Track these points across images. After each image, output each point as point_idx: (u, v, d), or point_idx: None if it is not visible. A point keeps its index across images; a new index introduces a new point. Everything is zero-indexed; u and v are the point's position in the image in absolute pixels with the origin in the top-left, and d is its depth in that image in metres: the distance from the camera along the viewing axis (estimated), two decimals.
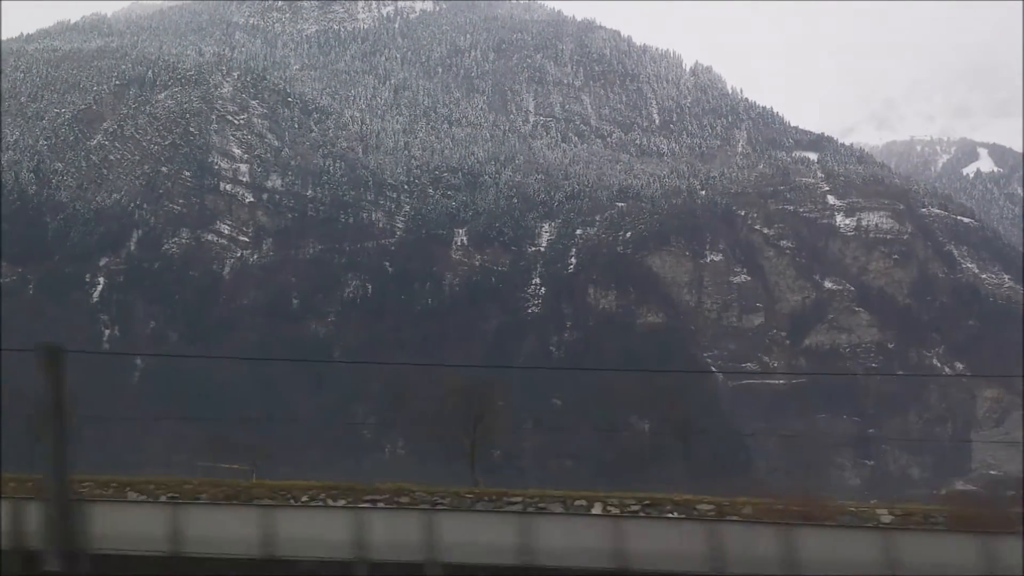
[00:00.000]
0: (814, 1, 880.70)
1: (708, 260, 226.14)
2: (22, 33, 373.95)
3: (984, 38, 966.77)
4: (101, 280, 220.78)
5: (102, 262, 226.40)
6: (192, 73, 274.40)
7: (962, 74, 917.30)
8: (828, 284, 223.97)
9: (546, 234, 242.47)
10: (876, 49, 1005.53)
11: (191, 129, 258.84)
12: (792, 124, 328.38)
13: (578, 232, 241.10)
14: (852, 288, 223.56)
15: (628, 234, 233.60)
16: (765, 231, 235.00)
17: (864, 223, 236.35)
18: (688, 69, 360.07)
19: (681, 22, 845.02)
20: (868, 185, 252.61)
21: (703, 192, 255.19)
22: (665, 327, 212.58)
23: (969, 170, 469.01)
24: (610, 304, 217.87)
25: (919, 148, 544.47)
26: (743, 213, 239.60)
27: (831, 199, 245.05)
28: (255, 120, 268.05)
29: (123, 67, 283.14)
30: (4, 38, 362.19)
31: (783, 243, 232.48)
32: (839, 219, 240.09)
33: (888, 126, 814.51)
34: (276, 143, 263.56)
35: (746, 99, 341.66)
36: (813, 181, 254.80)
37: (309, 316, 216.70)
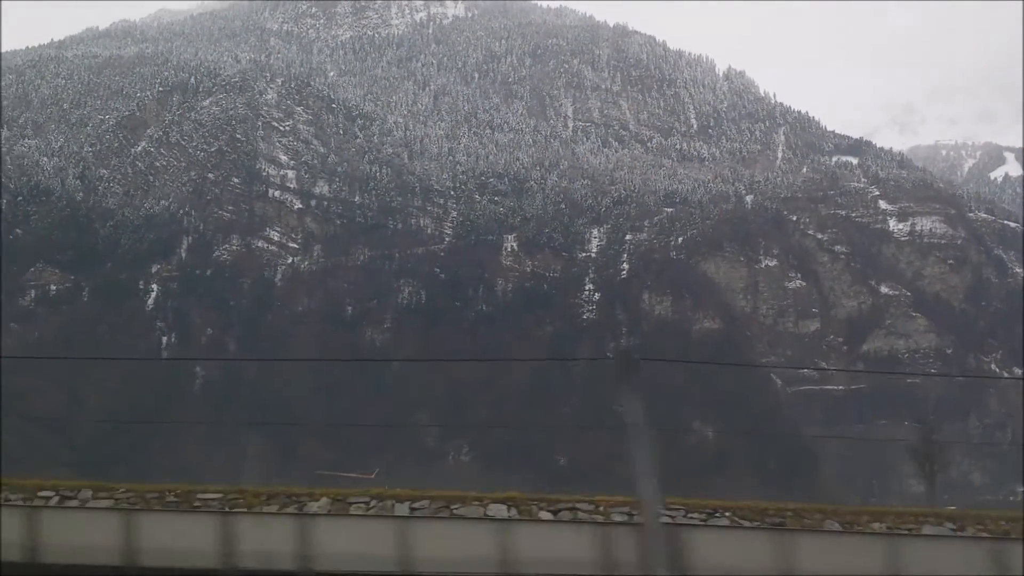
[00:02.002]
0: (830, 2, 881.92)
1: (763, 265, 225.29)
2: (52, 39, 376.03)
3: (1003, 42, 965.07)
4: (155, 287, 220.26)
5: (154, 269, 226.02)
6: (236, 80, 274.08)
7: (984, 78, 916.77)
8: (884, 289, 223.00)
9: (595, 239, 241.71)
10: (893, 54, 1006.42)
11: (237, 135, 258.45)
12: (828, 128, 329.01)
13: (628, 237, 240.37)
14: (908, 293, 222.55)
15: (680, 239, 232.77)
16: (819, 236, 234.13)
17: (918, 228, 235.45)
18: (721, 74, 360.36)
19: (696, 25, 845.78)
20: (918, 190, 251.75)
21: (749, 197, 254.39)
22: (722, 333, 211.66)
23: (997, 174, 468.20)
24: (665, 310, 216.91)
25: (944, 152, 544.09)
26: (795, 218, 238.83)
27: (883, 204, 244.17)
28: (300, 126, 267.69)
29: (165, 73, 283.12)
30: (35, 44, 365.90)
31: (837, 248, 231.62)
32: (892, 224, 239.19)
33: (910, 130, 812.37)
34: (322, 149, 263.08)
35: (781, 103, 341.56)
36: (862, 186, 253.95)
37: (364, 323, 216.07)
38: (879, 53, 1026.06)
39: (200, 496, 28.40)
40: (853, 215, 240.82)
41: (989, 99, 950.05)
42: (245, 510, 27.42)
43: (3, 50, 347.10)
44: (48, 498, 27.76)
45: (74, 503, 27.86)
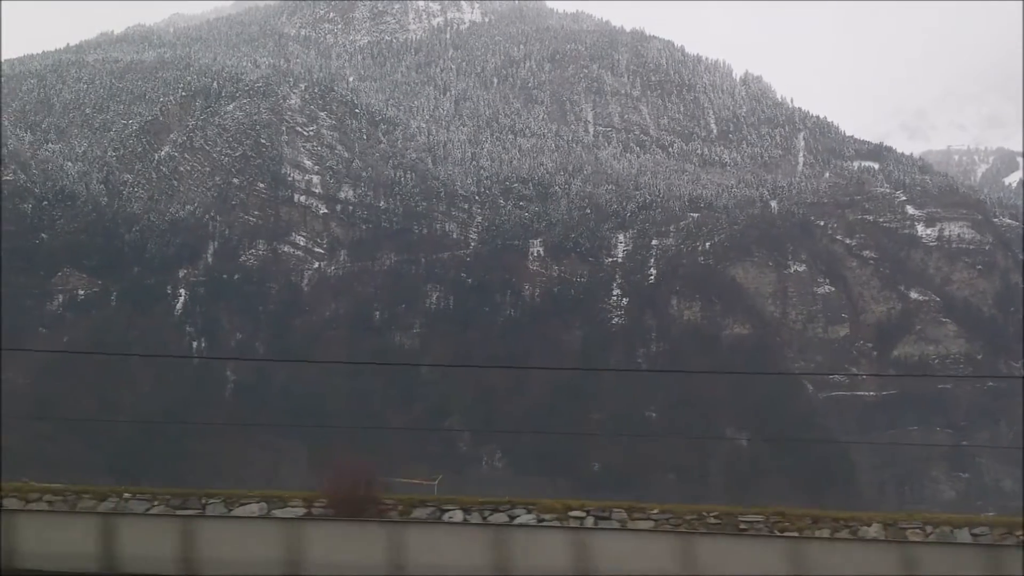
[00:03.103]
0: (838, 2, 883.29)
1: (791, 271, 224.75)
2: (68, 44, 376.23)
3: (1009, 45, 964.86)
4: (183, 292, 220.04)
5: (181, 274, 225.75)
6: (260, 85, 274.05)
7: (991, 83, 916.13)
8: (914, 295, 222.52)
9: (622, 245, 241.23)
10: (900, 58, 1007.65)
11: (262, 140, 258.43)
12: (848, 134, 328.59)
13: (654, 243, 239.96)
14: (938, 299, 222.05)
15: (707, 244, 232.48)
16: (847, 241, 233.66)
17: (946, 233, 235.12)
18: (738, 79, 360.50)
19: (704, 28, 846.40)
20: (944, 195, 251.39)
21: (774, 202, 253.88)
22: (752, 338, 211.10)
23: (1011, 179, 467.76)
24: (694, 315, 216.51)
25: (956, 158, 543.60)
26: (822, 223, 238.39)
27: (910, 209, 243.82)
28: (324, 131, 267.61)
29: (187, 78, 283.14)
30: (51, 48, 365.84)
31: (866, 253, 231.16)
32: (920, 229, 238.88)
33: (920, 136, 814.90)
34: (346, 154, 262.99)
35: (799, 108, 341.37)
36: (888, 191, 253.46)
37: (393, 328, 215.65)
38: (886, 57, 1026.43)
39: (743, 519, 27.49)
40: (881, 220, 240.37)
41: (996, 104, 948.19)
42: (799, 534, 26.42)
43: (19, 54, 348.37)
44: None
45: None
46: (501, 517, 29.52)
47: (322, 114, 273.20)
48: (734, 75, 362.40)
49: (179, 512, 33.34)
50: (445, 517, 30.25)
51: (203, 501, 32.96)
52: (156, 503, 35.20)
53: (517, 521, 29.02)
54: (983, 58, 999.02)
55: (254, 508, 32.09)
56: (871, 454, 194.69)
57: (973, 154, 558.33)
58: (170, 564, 23.17)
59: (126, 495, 37.17)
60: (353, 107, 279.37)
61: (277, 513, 31.64)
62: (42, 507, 34.84)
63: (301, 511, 31.77)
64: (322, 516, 30.92)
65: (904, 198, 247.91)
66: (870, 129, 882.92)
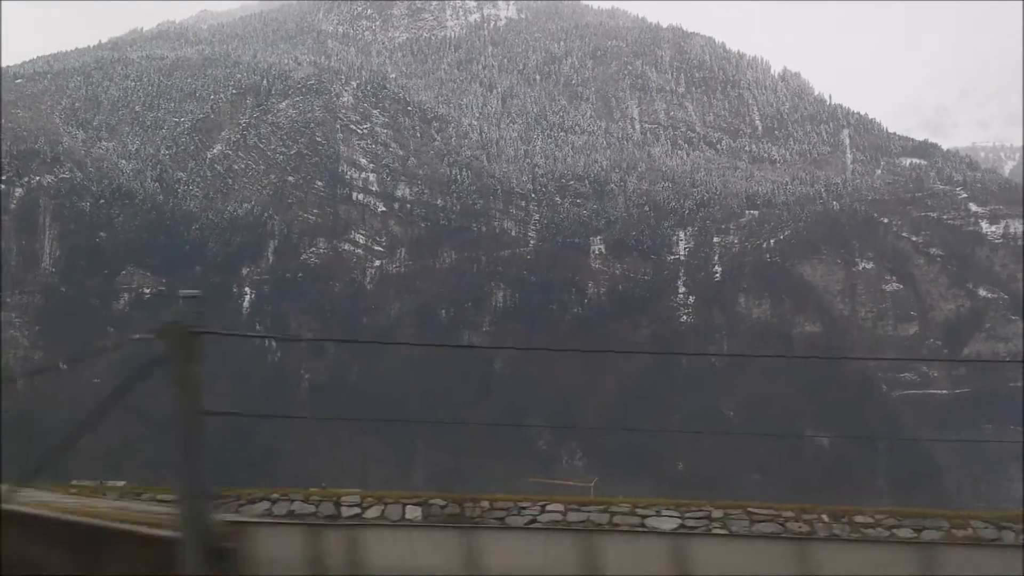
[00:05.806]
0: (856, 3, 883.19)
1: (859, 268, 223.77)
2: (100, 41, 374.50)
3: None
4: (248, 290, 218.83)
5: (244, 272, 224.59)
6: (312, 82, 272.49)
7: (1014, 82, 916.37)
8: (983, 292, 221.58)
9: (683, 242, 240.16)
10: (920, 57, 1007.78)
11: (317, 138, 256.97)
12: (891, 130, 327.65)
13: (716, 240, 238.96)
14: (1006, 296, 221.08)
15: (772, 242, 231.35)
16: (913, 239, 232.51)
17: (1012, 230, 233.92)
18: (777, 75, 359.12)
19: (728, 24, 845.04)
20: (1005, 192, 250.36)
21: (833, 201, 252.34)
22: (823, 336, 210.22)
23: None
24: (764, 313, 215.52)
25: (983, 155, 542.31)
26: (886, 220, 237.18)
27: (973, 206, 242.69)
28: (378, 129, 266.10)
29: (237, 76, 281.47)
30: (83, 46, 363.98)
31: (932, 251, 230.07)
32: (984, 226, 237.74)
33: (942, 133, 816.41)
34: (401, 152, 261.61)
35: (840, 105, 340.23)
36: (947, 188, 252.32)
37: (461, 326, 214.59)
38: (905, 55, 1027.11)
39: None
40: (944, 217, 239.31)
41: (1016, 101, 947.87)
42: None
43: (51, 52, 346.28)
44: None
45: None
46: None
47: (375, 112, 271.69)
48: (772, 72, 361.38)
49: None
50: None
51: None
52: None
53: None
54: (1002, 56, 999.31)
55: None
56: (947, 453, 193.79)
57: (999, 151, 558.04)
58: None
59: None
60: (405, 104, 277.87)
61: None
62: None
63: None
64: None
65: (965, 195, 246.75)
66: (892, 125, 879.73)
